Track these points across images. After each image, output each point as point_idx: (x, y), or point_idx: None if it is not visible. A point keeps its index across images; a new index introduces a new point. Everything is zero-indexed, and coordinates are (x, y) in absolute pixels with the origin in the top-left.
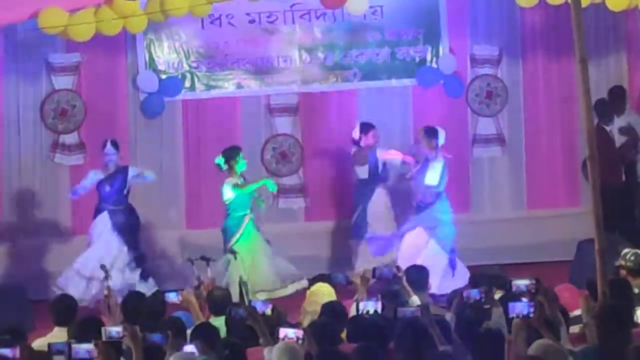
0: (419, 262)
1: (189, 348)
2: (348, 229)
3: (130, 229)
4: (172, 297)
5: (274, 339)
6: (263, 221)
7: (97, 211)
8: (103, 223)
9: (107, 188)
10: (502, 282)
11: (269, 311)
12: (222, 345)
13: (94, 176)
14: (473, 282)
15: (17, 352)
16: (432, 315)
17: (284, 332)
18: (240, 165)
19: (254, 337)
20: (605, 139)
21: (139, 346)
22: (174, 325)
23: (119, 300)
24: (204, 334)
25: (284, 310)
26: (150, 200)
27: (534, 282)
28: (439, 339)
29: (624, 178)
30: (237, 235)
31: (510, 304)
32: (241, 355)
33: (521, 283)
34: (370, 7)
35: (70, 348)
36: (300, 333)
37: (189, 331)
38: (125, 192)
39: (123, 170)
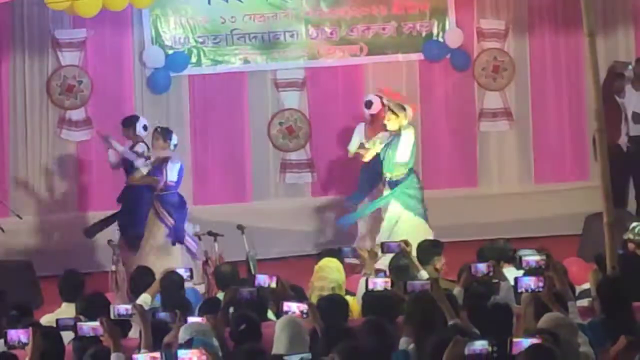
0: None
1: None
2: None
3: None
4: (180, 273)
5: (279, 312)
6: (270, 196)
7: None
8: None
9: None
10: (509, 255)
11: (273, 284)
12: (237, 319)
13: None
14: (480, 257)
15: (29, 334)
16: (441, 289)
17: (287, 306)
18: None
19: (261, 313)
20: (615, 109)
21: (148, 325)
22: (181, 303)
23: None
24: (212, 309)
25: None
26: None
27: (544, 257)
28: (449, 313)
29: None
30: None
31: (519, 279)
32: (257, 329)
33: (531, 259)
34: None
35: (76, 325)
36: (303, 307)
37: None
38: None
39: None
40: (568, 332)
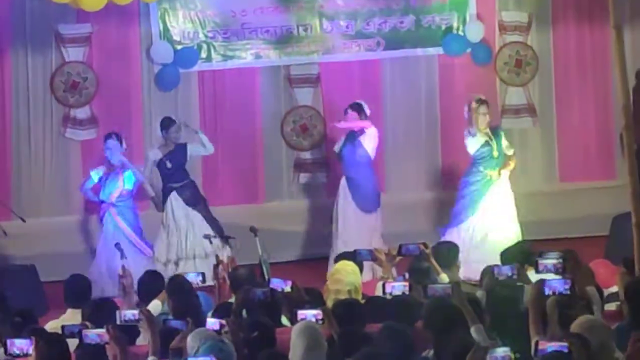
0: None
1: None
2: None
3: (202, 202)
4: (192, 278)
5: (294, 319)
6: (284, 197)
7: (167, 191)
8: (176, 203)
9: (169, 165)
10: (533, 257)
11: (288, 288)
12: (250, 326)
13: (154, 156)
14: (504, 259)
15: (31, 344)
16: (463, 293)
17: (302, 314)
18: None
19: (275, 318)
20: None
21: (156, 331)
22: (193, 310)
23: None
24: (226, 314)
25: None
26: None
27: (560, 260)
28: (471, 318)
29: None
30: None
31: (547, 282)
32: (271, 336)
33: (548, 262)
34: None
35: (81, 333)
36: (319, 314)
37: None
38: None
39: (183, 147)
40: (603, 336)
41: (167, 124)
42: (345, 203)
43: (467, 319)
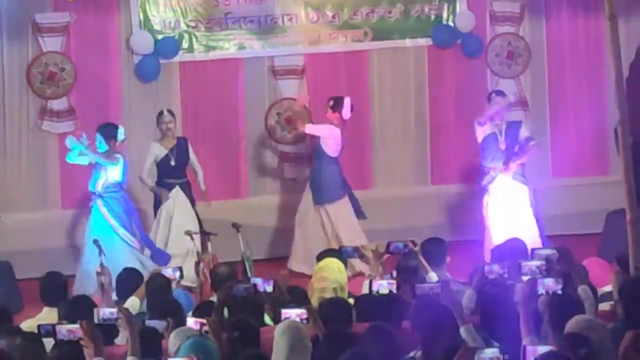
0: None
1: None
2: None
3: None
4: (169, 274)
5: (277, 319)
6: (268, 192)
7: (163, 186)
8: (179, 198)
9: (173, 162)
10: (525, 255)
11: (270, 288)
12: (232, 325)
13: (157, 151)
14: (494, 256)
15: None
16: (453, 291)
17: (286, 313)
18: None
19: (257, 316)
20: None
21: (135, 330)
22: (173, 309)
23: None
24: (207, 314)
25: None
26: None
27: (544, 262)
28: (460, 318)
29: None
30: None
31: (539, 281)
32: (255, 335)
33: (532, 264)
34: None
35: (54, 329)
36: (303, 314)
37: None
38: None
39: (184, 141)
40: (600, 334)
41: (158, 114)
42: (306, 195)
43: (456, 319)
